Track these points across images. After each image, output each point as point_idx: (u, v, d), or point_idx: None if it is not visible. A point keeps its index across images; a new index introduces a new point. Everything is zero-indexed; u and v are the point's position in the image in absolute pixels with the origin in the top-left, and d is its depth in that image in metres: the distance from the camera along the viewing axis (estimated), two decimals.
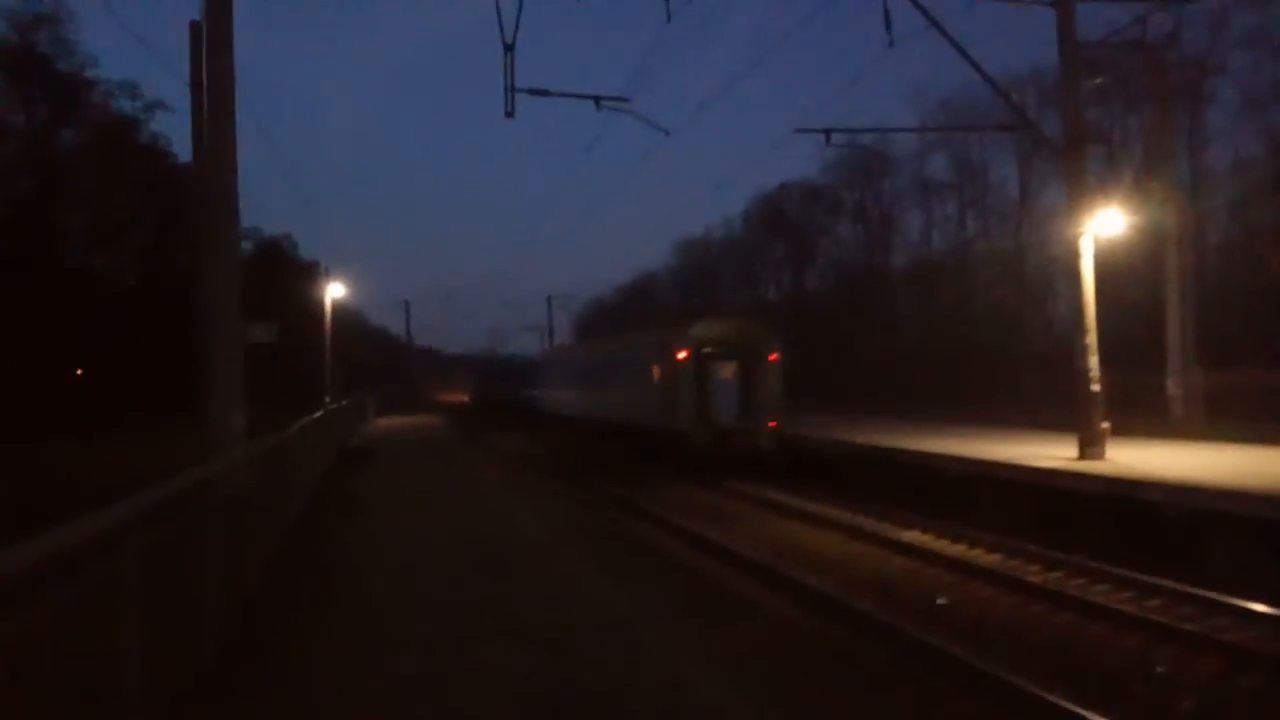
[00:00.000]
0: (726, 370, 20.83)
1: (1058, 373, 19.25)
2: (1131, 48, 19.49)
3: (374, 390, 57.66)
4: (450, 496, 15.16)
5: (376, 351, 78.49)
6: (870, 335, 39.47)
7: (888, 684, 6.78)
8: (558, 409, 32.62)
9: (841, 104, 77.57)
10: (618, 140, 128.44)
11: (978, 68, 14.93)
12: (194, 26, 10.29)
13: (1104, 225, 15.52)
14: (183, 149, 34.64)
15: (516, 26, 14.05)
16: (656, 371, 21.62)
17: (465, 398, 73.36)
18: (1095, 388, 14.35)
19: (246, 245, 40.56)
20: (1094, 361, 14.40)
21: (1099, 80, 20.53)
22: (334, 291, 36.95)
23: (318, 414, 19.41)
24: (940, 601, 9.55)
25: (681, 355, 20.73)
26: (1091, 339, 14.40)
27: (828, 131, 17.61)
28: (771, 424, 20.39)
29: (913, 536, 13.26)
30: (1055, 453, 14.88)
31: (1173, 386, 19.74)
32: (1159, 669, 7.31)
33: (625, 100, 16.94)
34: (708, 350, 20.77)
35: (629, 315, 65.02)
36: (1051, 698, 6.34)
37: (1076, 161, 15.08)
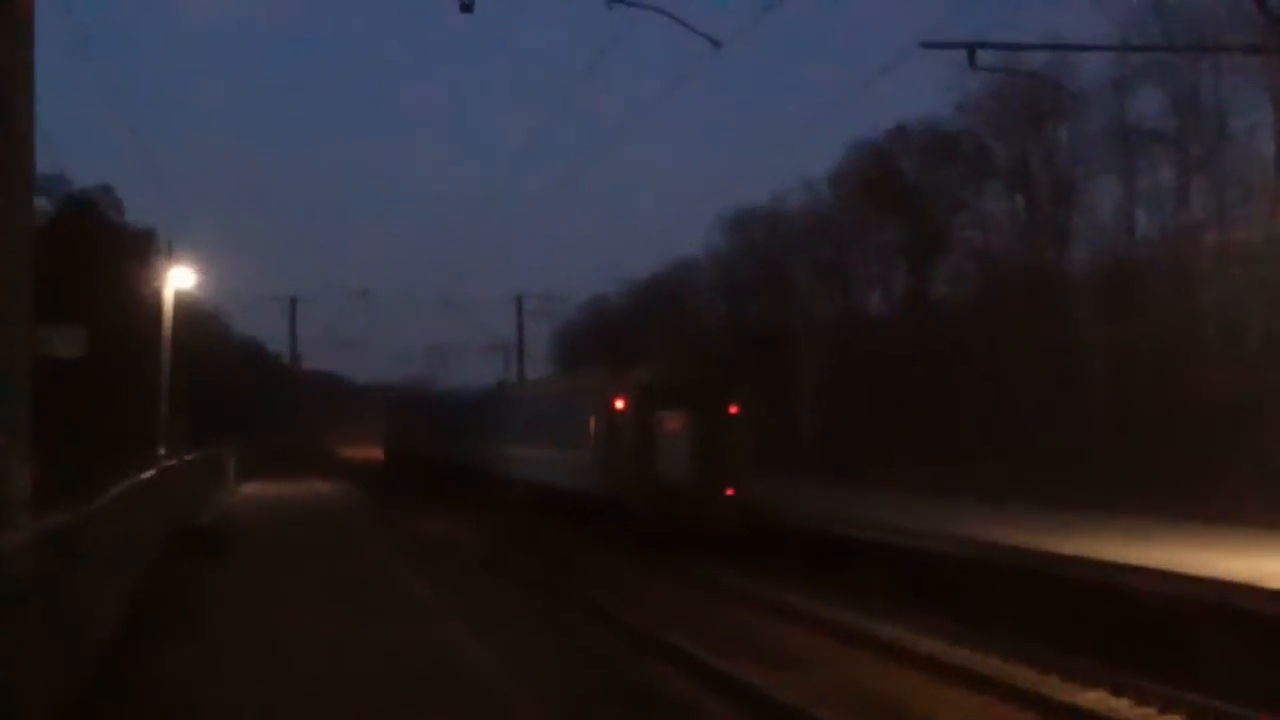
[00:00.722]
0: (675, 423, 24.60)
1: None
2: None
3: (240, 438, 57.47)
4: (341, 615, 15.22)
5: (246, 377, 78.62)
6: (1030, 373, 38.82)
7: None
8: (503, 469, 35.43)
9: (991, 6, 76.57)
10: (637, 56, 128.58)
11: None
12: None
13: None
14: None
15: None
16: (590, 424, 25.57)
17: (380, 452, 73.64)
18: None
19: (42, 204, 40.47)
20: None
21: None
22: (179, 280, 36.70)
23: (145, 475, 19.34)
24: None
25: (620, 404, 24.59)
26: None
27: (971, 47, 17.23)
28: (728, 490, 24.17)
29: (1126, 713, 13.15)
30: None
31: None
32: None
33: None
34: (654, 398, 24.43)
35: (643, 324, 64.95)
36: None
37: None
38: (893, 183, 48.43)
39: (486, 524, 32.12)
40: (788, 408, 48.21)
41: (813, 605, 18.61)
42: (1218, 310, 34.94)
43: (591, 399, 25.76)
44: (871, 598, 19.03)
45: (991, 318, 41.25)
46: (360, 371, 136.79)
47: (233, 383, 70.54)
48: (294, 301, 76.69)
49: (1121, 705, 13.10)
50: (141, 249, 44.52)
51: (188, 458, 31.38)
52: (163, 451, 30.78)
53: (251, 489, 44.55)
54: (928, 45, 17.31)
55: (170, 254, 35.89)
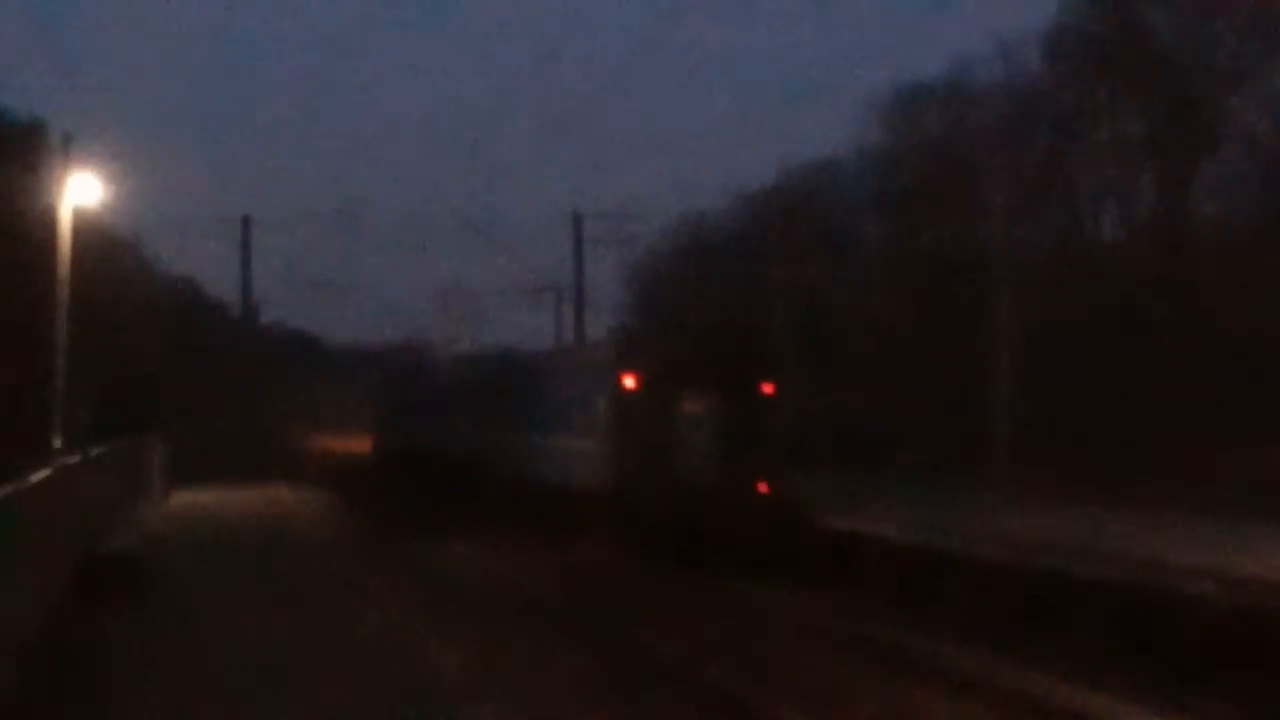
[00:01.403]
0: (697, 406, 28.14)
1: None
2: None
3: (170, 424, 58.20)
4: None
5: (179, 337, 79.63)
6: None
7: None
8: (516, 466, 38.45)
9: None
10: None
11: None
12: None
13: None
14: None
15: None
16: (598, 407, 29.16)
17: (368, 444, 74.72)
18: None
19: None
20: None
21: None
22: (81, 194, 37.14)
23: (33, 478, 19.50)
24: None
25: (630, 383, 28.02)
26: None
27: None
28: (761, 486, 27.59)
29: None
30: None
31: None
32: None
33: None
34: (671, 376, 27.98)
35: (765, 252, 64.62)
36: None
37: None
38: (1138, 44, 47.82)
39: (525, 548, 32.07)
40: (975, 383, 47.87)
41: (1020, 677, 18.63)
42: None
43: (599, 377, 28.88)
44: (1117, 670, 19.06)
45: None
46: (343, 329, 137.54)
47: (160, 344, 71.41)
48: (247, 224, 77.59)
49: None
50: (22, 146, 45.00)
51: (95, 453, 31.80)
52: (58, 444, 31.26)
53: (186, 499, 45.10)
54: None
55: (68, 155, 36.26)
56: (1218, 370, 39.71)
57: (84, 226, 38.49)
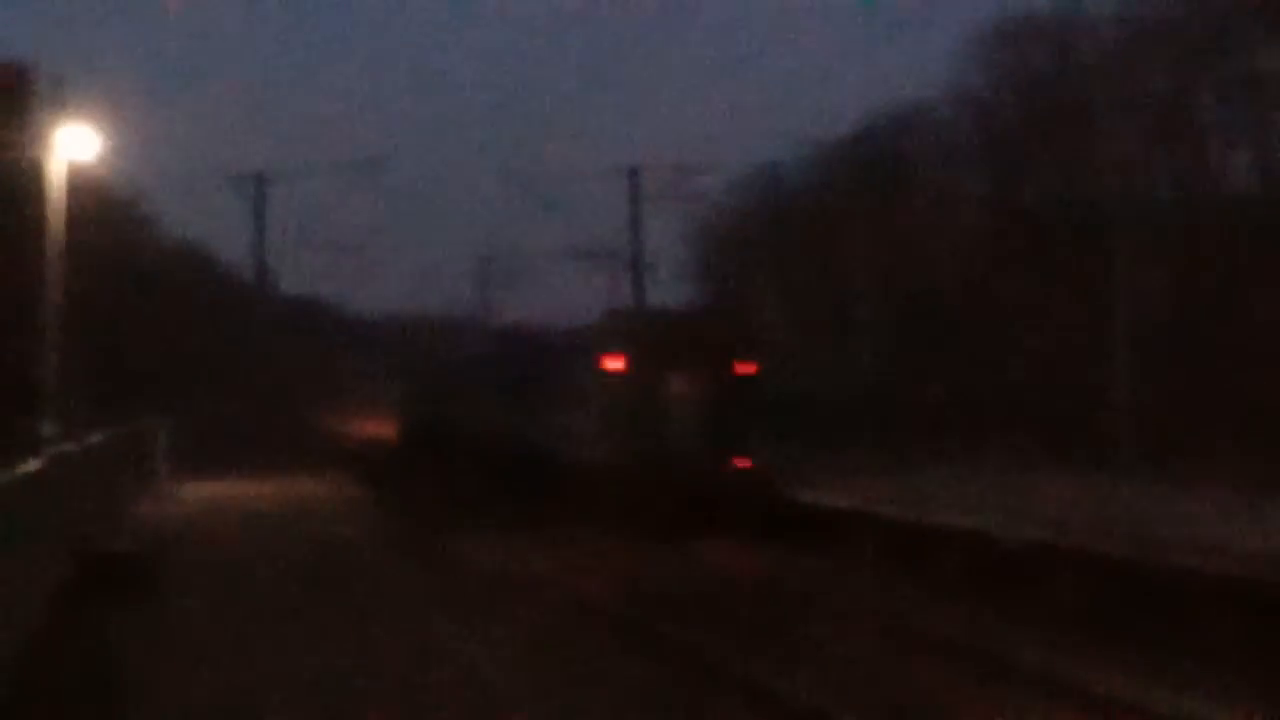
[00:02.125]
0: (679, 385, 33.91)
1: None
2: None
3: (176, 407, 58.19)
4: None
5: (185, 307, 79.74)
6: None
7: None
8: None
9: None
10: None
11: None
12: None
13: None
14: None
15: None
16: (587, 385, 34.95)
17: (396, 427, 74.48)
18: None
19: None
20: None
21: None
22: (74, 146, 36.98)
23: (23, 469, 19.53)
24: None
25: (615, 364, 33.74)
26: None
27: None
28: (739, 461, 33.14)
29: None
30: None
31: None
32: None
33: None
34: (654, 357, 33.65)
35: (850, 206, 64.00)
36: None
37: None
38: None
39: (568, 543, 32.72)
40: (1088, 353, 47.51)
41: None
42: None
43: (589, 357, 34.52)
44: None
45: None
46: (374, 298, 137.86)
47: (165, 316, 71.50)
48: (261, 182, 77.57)
49: None
50: (6, 93, 44.92)
51: (91, 441, 31.64)
52: (48, 431, 31.11)
53: (194, 492, 44.97)
54: None
55: (59, 103, 36.13)
56: None
57: (78, 185, 38.35)
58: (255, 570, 27.05)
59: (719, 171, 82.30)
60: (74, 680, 17.29)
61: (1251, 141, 51.17)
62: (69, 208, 35.35)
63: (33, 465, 20.51)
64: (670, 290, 73.78)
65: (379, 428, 76.12)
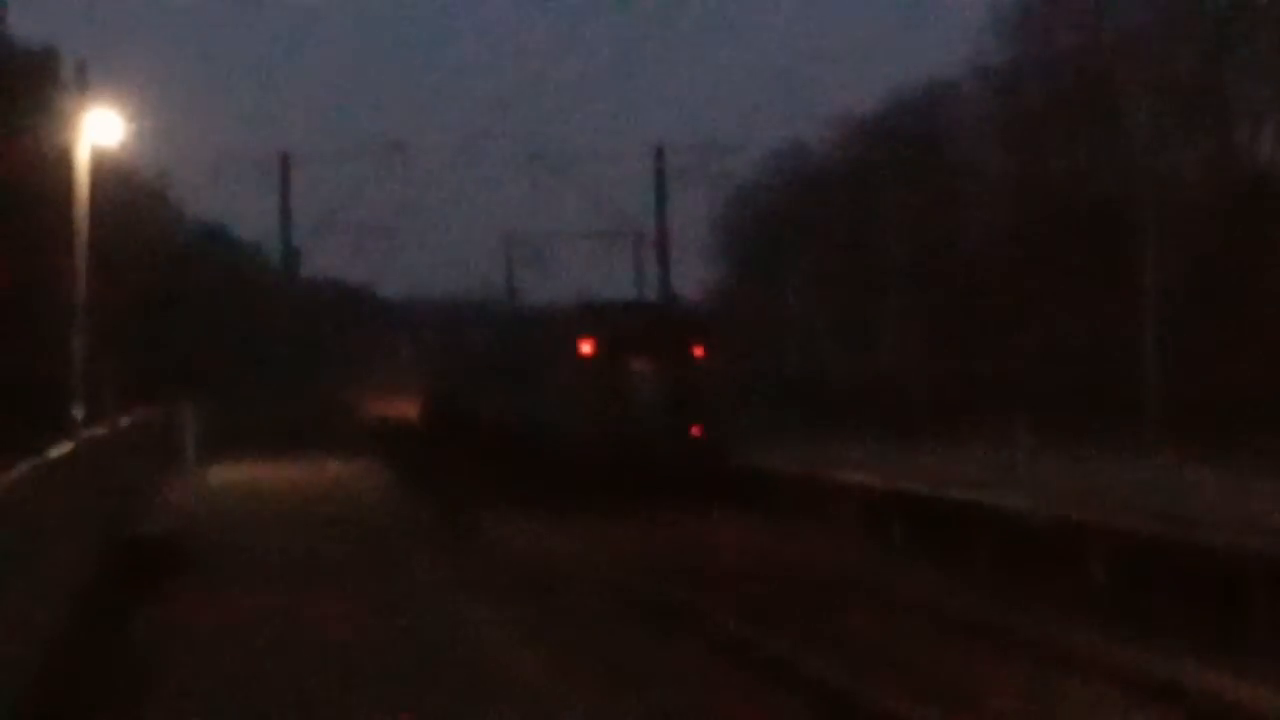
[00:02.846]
0: (641, 366, 39.18)
1: None
2: None
3: (203, 389, 58.20)
4: None
5: (211, 289, 79.69)
6: None
7: None
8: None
9: None
10: None
11: None
12: None
13: None
14: None
15: None
16: (565, 365, 40.43)
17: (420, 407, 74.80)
18: None
19: None
20: None
21: None
22: (99, 131, 36.94)
23: (54, 453, 19.46)
24: None
25: (587, 348, 39.28)
26: None
27: None
28: (694, 430, 38.45)
29: None
30: None
31: None
32: None
33: None
34: (620, 343, 38.96)
35: (872, 184, 63.75)
36: None
37: None
38: None
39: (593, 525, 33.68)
40: (1115, 330, 47.35)
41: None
42: None
43: (566, 341, 40.11)
44: None
45: None
46: (400, 280, 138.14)
47: (192, 299, 71.56)
48: (286, 163, 77.41)
49: None
50: (33, 79, 44.85)
51: (121, 424, 31.62)
52: (79, 414, 31.12)
53: (222, 475, 44.96)
54: None
55: (84, 87, 36.08)
56: None
57: (103, 169, 38.36)
58: (282, 553, 26.85)
59: (745, 150, 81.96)
60: (111, 644, 17.53)
61: (1278, 120, 50.99)
62: (94, 193, 35.34)
63: (64, 449, 20.45)
64: (696, 269, 73.60)
65: (406, 409, 76.11)
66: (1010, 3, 58.08)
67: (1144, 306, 45.87)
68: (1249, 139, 51.74)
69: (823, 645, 19.60)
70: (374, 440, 62.24)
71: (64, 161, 35.21)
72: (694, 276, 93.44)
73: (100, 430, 27.96)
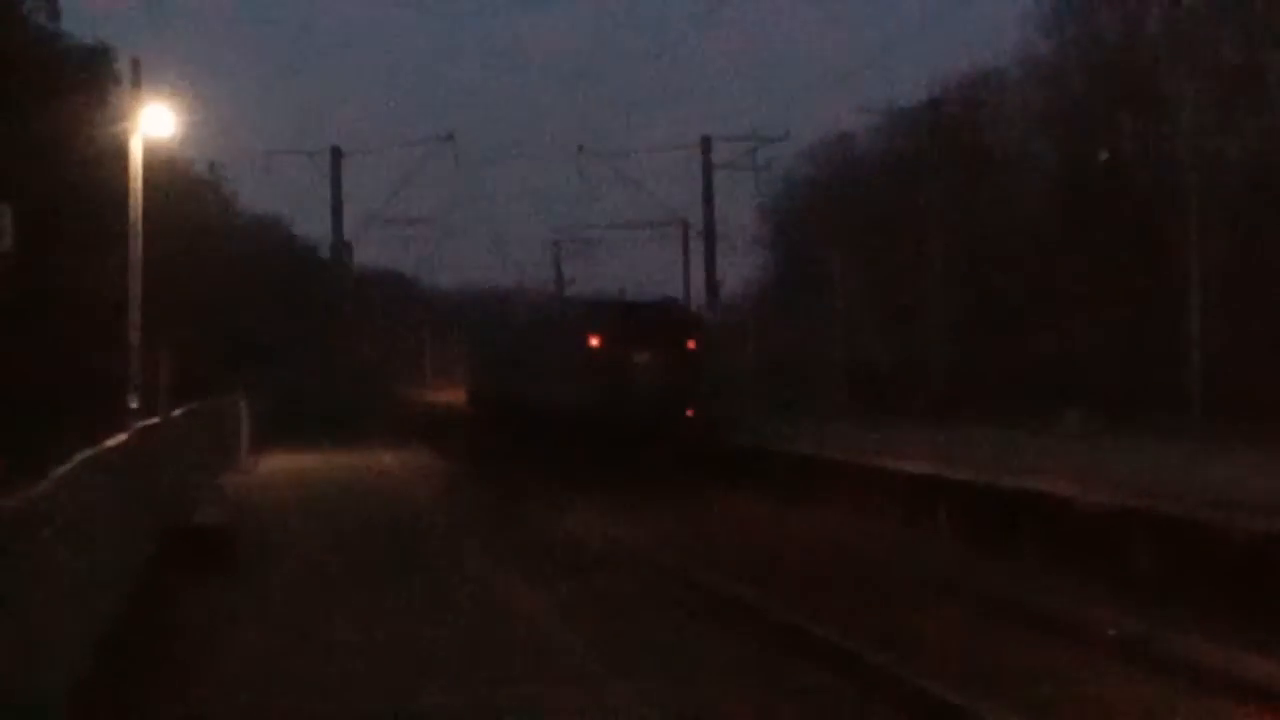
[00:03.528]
0: (643, 357, 43.79)
1: None
2: None
3: (255, 379, 58.37)
4: None
5: (264, 280, 79.79)
6: None
7: None
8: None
9: None
10: None
11: None
12: None
13: None
14: None
15: None
16: (577, 354, 45.14)
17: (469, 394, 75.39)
18: None
19: None
20: None
21: None
22: (153, 125, 37.04)
23: (110, 443, 19.47)
24: None
25: (595, 342, 44.24)
26: None
27: None
28: (689, 411, 43.42)
29: None
30: None
31: None
32: None
33: None
34: (623, 336, 43.92)
35: (918, 173, 63.46)
36: None
37: None
38: None
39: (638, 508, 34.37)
40: (1160, 319, 47.09)
41: None
42: None
43: (578, 336, 45.12)
44: None
45: None
46: (453, 272, 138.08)
47: (244, 290, 71.68)
48: (337, 156, 77.68)
49: None
50: (87, 75, 44.95)
51: (175, 414, 31.73)
52: (134, 404, 31.24)
53: (275, 464, 45.20)
54: None
55: (138, 84, 36.19)
56: None
57: (157, 163, 38.46)
58: (335, 542, 27.28)
59: (791, 141, 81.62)
60: (169, 630, 17.77)
61: None
62: (147, 187, 35.44)
63: (120, 438, 20.52)
64: (743, 260, 73.63)
65: (454, 396, 76.36)
66: None
67: (1188, 292, 45.61)
68: None
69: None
70: (423, 427, 62.64)
71: (119, 156, 35.36)
72: (740, 267, 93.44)
73: (155, 421, 28.05)
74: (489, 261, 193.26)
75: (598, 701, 14.97)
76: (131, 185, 34.37)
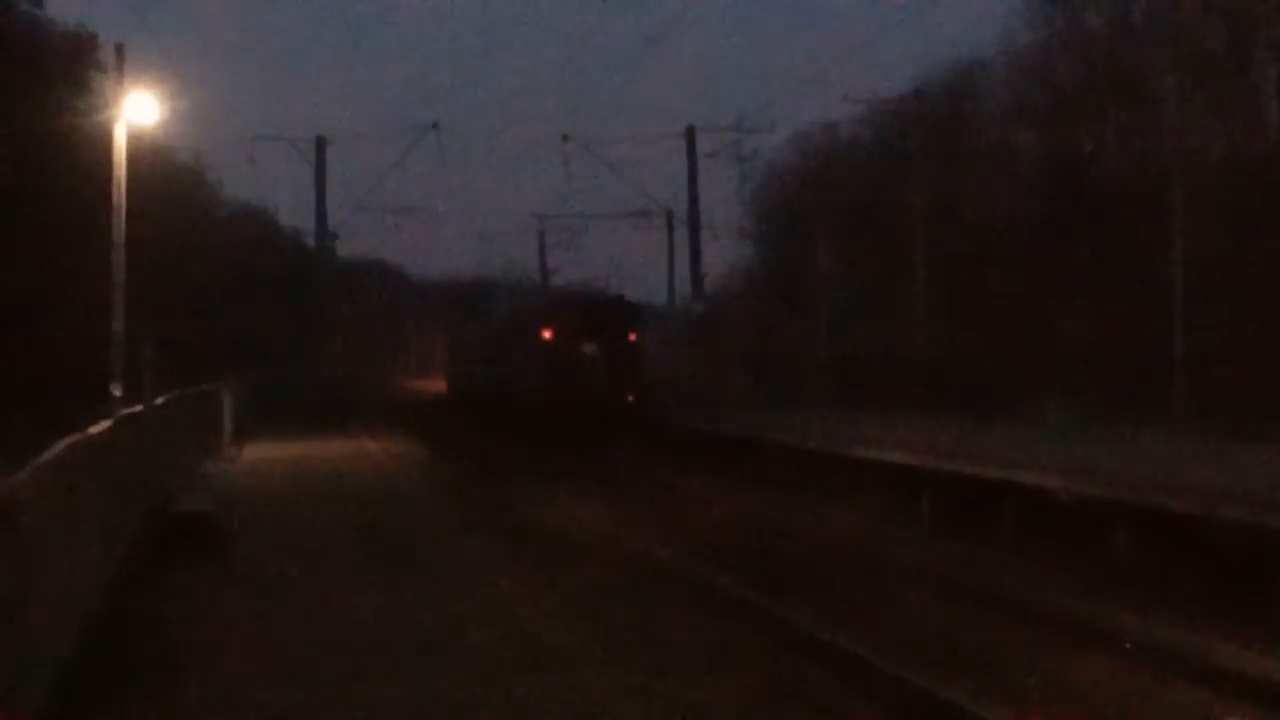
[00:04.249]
0: (589, 348, 48.23)
1: None
2: None
3: (239, 369, 58.38)
4: None
5: (247, 270, 79.59)
6: None
7: None
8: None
9: None
10: None
11: None
12: None
13: None
14: None
15: None
16: (532, 345, 50.21)
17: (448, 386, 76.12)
18: None
19: None
20: None
21: None
22: (137, 113, 36.97)
23: (94, 430, 19.50)
24: None
25: (547, 335, 49.06)
26: None
27: None
28: (631, 397, 47.93)
29: None
30: None
31: None
32: None
33: None
34: (571, 330, 48.54)
35: (904, 163, 63.51)
36: None
37: None
38: None
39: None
40: (1143, 311, 47.08)
41: None
42: None
43: (534, 329, 50.11)
44: None
45: None
46: (435, 260, 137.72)
47: (228, 279, 71.62)
48: (321, 145, 77.63)
49: None
50: (71, 61, 44.88)
51: (159, 401, 31.73)
52: (118, 392, 31.21)
53: (259, 453, 45.17)
54: None
55: (122, 70, 36.13)
56: None
57: (140, 150, 38.38)
58: (318, 529, 27.36)
59: (775, 130, 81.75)
60: (155, 614, 17.77)
61: None
62: (131, 174, 35.38)
63: (102, 426, 20.50)
64: (728, 250, 73.86)
65: (438, 386, 76.50)
66: None
67: (1172, 286, 45.62)
68: (1278, 118, 51.43)
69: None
70: (406, 416, 62.93)
71: (102, 143, 35.29)
72: (726, 256, 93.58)
73: (138, 408, 28.02)
74: (474, 250, 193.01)
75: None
76: (115, 173, 34.29)
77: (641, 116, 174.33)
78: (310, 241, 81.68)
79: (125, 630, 16.85)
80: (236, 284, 74.42)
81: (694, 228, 70.07)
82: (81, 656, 14.83)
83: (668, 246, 77.80)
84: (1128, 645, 17.85)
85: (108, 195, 34.19)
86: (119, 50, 36.58)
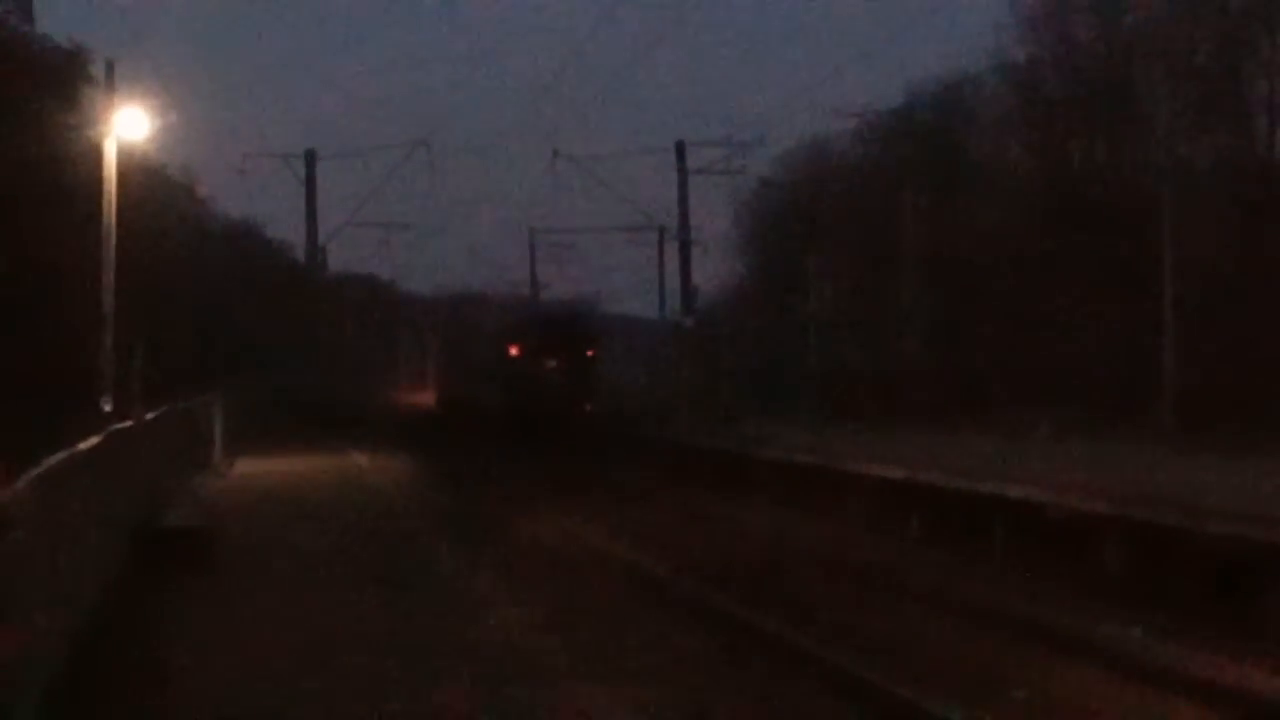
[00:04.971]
0: (551, 363, 56.60)
1: None
2: None
3: (230, 383, 58.38)
4: None
5: (238, 285, 79.49)
6: None
7: None
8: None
9: None
10: None
11: None
12: None
13: None
14: None
15: None
16: (501, 360, 58.95)
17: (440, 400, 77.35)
18: None
19: None
20: None
21: None
22: (128, 128, 37.00)
23: (84, 445, 19.40)
24: None
25: (514, 351, 58.17)
26: None
27: None
28: (587, 406, 56.42)
29: None
30: None
31: None
32: None
33: None
34: (536, 347, 57.20)
35: (898, 178, 63.56)
36: None
37: None
38: None
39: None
40: (1135, 323, 47.12)
41: None
42: None
43: (502, 345, 58.00)
44: None
45: None
46: (427, 276, 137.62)
47: (218, 294, 71.59)
48: (311, 160, 77.58)
49: None
50: (62, 76, 44.88)
51: (149, 417, 31.73)
52: (108, 407, 31.17)
53: (250, 468, 45.08)
54: None
55: (112, 86, 36.16)
56: None
57: (131, 165, 38.39)
58: (307, 545, 26.94)
59: (766, 146, 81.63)
60: (143, 626, 17.65)
61: None
62: (121, 189, 35.36)
63: (92, 441, 20.46)
64: (719, 264, 74.62)
65: (427, 400, 76.72)
66: None
67: (1161, 298, 45.63)
68: (1267, 131, 51.51)
69: None
70: (395, 429, 63.41)
71: (93, 158, 35.31)
72: (717, 271, 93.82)
73: (128, 424, 27.98)
74: (465, 265, 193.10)
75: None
76: (105, 188, 34.33)
77: (633, 131, 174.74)
78: (301, 255, 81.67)
79: (111, 643, 16.78)
80: (227, 298, 74.40)
81: (684, 242, 69.99)
82: (70, 667, 14.81)
83: (659, 263, 78.42)
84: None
85: (99, 209, 34.21)
86: (109, 66, 36.68)
